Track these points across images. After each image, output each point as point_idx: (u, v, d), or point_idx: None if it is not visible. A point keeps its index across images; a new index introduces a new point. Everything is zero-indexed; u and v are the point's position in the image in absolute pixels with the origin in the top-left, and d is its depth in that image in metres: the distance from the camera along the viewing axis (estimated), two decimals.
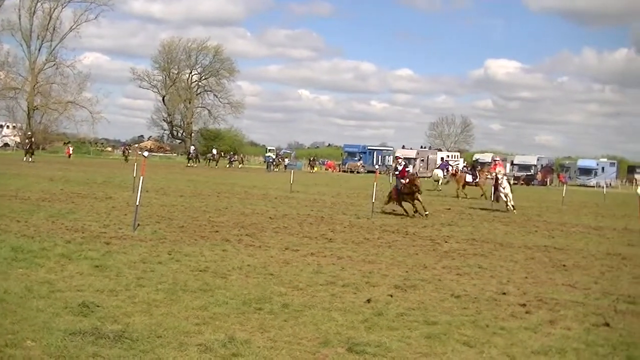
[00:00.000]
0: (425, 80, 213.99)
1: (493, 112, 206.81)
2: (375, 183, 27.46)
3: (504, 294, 12.08)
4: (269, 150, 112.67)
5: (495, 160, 39.71)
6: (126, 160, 78.67)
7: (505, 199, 32.78)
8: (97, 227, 17.37)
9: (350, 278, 12.72)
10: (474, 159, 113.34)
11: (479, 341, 8.87)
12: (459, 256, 16.51)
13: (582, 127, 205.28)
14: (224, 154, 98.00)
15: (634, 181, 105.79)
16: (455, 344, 8.68)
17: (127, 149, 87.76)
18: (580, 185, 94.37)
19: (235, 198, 31.33)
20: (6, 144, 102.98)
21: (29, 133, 76.47)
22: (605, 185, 74.54)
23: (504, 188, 33.09)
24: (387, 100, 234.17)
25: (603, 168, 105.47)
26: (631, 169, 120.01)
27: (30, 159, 62.58)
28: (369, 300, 10.83)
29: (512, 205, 32.61)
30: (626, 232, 25.60)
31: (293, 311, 9.87)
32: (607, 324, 10.18)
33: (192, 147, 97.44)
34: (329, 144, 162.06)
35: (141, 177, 17.94)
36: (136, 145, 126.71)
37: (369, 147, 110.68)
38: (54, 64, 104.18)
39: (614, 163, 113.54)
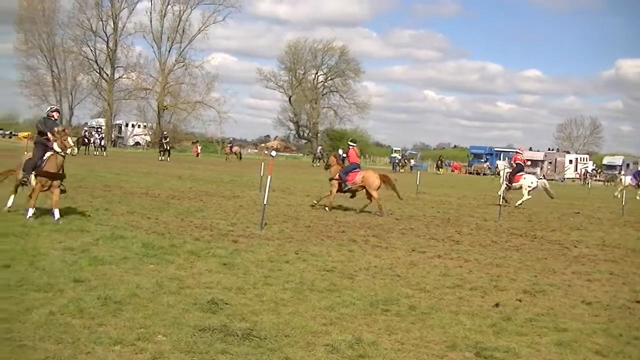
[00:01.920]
0: (553, 81, 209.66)
1: (623, 113, 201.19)
2: (502, 185, 27.06)
3: (638, 302, 11.71)
4: (395, 151, 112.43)
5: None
6: (226, 159, 79.32)
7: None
8: (224, 225, 17.62)
9: (478, 281, 12.56)
10: (603, 162, 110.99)
11: (612, 350, 8.61)
12: (589, 262, 16.10)
13: None
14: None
15: None
16: (587, 353, 8.45)
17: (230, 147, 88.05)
18: None
19: (360, 199, 31.25)
20: (137, 143, 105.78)
21: (165, 133, 78.17)
22: None
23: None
24: (513, 102, 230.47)
25: None
26: None
27: (164, 158, 64.23)
28: (497, 305, 10.66)
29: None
30: None
31: (420, 314, 9.79)
32: None
33: (319, 147, 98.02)
34: (454, 145, 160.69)
35: (268, 177, 18.11)
36: (262, 144, 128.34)
37: (495, 149, 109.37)
38: (183, 65, 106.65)
39: None
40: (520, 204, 31.86)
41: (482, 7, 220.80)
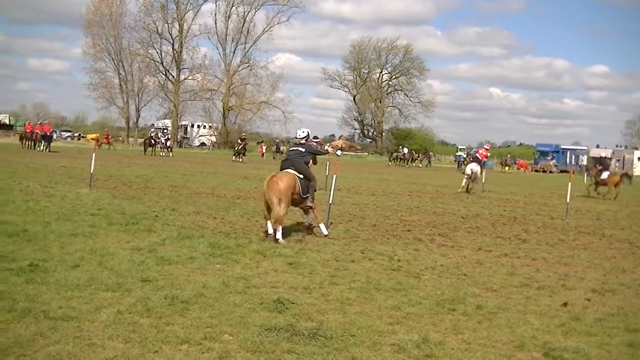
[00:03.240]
0: (621, 77, 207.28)
1: None
2: (569, 183, 26.71)
3: None
4: (460, 149, 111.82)
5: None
6: (273, 158, 79.26)
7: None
8: (290, 225, 17.64)
9: (545, 280, 12.40)
10: None
11: None
12: None
13: None
14: (416, 153, 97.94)
15: None
16: None
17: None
18: None
19: (427, 197, 31.22)
20: (203, 144, 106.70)
21: (243, 135, 78.24)
22: None
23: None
24: (580, 98, 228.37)
25: None
26: None
27: (239, 160, 64.48)
28: (565, 304, 10.51)
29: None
30: None
31: (487, 313, 9.70)
32: None
33: (405, 149, 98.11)
34: (520, 143, 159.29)
35: (334, 176, 18.11)
36: (327, 144, 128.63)
37: (562, 147, 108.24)
38: (248, 66, 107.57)
39: None
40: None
41: (547, 2, 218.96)
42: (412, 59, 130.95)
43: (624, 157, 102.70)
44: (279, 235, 14.69)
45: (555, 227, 21.68)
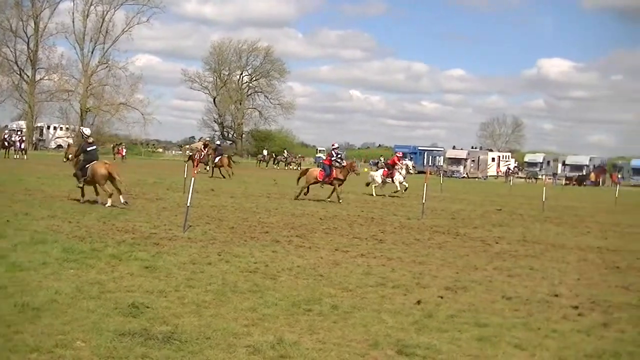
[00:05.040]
0: (477, 80, 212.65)
1: (545, 111, 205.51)
2: (425, 184, 27.28)
3: (556, 296, 11.93)
4: (320, 151, 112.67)
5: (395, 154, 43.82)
6: (114, 158, 78.44)
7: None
8: (147, 228, 17.46)
9: (400, 279, 12.64)
10: (525, 159, 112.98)
11: (531, 344, 8.75)
12: (510, 257, 16.35)
13: (635, 126, 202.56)
14: (276, 155, 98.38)
15: None
16: (506, 347, 8.58)
17: (117, 147, 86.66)
18: (634, 186, 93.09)
19: (286, 199, 31.32)
20: (59, 146, 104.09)
21: (207, 139, 75.04)
22: None
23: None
24: (438, 101, 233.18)
25: None
26: None
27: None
28: (419, 302, 10.75)
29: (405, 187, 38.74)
30: None
31: (342, 313, 9.82)
32: None
33: (265, 151, 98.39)
34: (380, 145, 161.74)
35: (192, 179, 18.00)
36: (187, 146, 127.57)
37: (419, 148, 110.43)
38: (107, 66, 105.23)
39: None
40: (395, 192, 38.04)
41: (408, 7, 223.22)
42: (273, 61, 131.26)
43: (478, 157, 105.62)
44: None
45: (411, 227, 22.11)
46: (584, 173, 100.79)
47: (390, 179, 39.08)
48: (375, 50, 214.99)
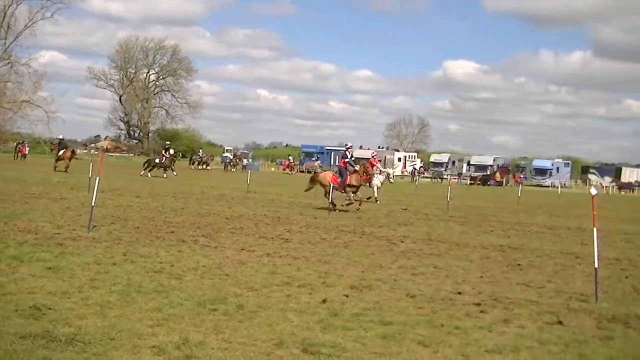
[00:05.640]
0: (384, 81, 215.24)
1: (451, 112, 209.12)
2: (331, 184, 27.46)
3: (459, 293, 12.13)
4: (227, 150, 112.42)
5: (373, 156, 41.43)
6: (15, 158, 77.06)
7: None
8: (50, 228, 17.16)
9: (306, 278, 12.69)
10: (430, 159, 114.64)
11: (434, 341, 8.88)
12: (415, 256, 16.56)
13: (538, 128, 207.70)
14: (182, 154, 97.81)
15: (587, 181, 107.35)
16: (410, 344, 8.68)
17: (19, 146, 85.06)
18: (535, 185, 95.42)
19: (192, 199, 31.15)
20: None
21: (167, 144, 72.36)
22: (559, 185, 75.60)
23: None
24: (346, 101, 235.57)
25: (558, 168, 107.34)
26: (585, 169, 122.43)
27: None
28: (324, 301, 10.81)
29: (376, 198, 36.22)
30: (580, 231, 26.02)
31: (248, 312, 9.81)
32: (560, 322, 10.29)
33: (201, 151, 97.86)
34: (287, 144, 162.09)
35: (97, 178, 17.78)
36: (92, 145, 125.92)
37: (326, 148, 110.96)
38: (9, 62, 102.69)
39: (569, 163, 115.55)
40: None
41: (317, 8, 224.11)
42: (180, 59, 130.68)
43: (385, 157, 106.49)
44: None
45: (317, 226, 22.20)
46: (488, 173, 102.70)
47: (368, 184, 36.02)
48: (284, 50, 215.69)
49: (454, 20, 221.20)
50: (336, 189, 28.80)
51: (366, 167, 31.64)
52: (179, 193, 34.25)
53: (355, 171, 29.77)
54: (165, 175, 51.67)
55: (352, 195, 29.26)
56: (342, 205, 29.37)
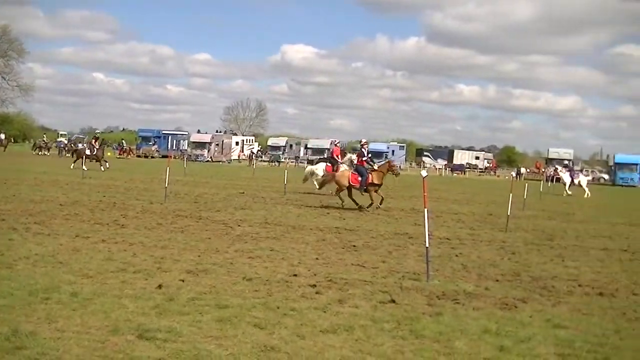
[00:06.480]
0: (223, 65, 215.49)
1: (288, 96, 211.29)
2: (168, 168, 27.27)
3: (295, 275, 12.31)
4: (61, 135, 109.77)
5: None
6: None
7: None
8: None
9: (142, 264, 12.61)
10: (268, 143, 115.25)
11: (270, 322, 8.99)
12: (251, 239, 16.67)
13: (375, 112, 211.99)
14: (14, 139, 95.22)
15: (422, 163, 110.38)
16: (246, 327, 8.76)
17: None
18: None
19: (24, 185, 30.28)
20: None
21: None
22: None
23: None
24: (183, 85, 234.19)
25: (393, 151, 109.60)
26: (419, 152, 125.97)
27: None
28: (160, 286, 10.77)
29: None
30: (413, 212, 26.78)
31: (82, 300, 9.68)
32: (393, 301, 10.61)
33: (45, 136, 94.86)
34: (124, 129, 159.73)
35: None
36: None
37: (163, 132, 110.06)
38: None
39: (404, 146, 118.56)
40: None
41: None
42: (11, 40, 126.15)
43: (222, 141, 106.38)
44: None
45: (154, 211, 22.02)
46: (326, 156, 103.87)
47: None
48: (120, 33, 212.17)
49: (293, 4, 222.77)
50: (357, 189, 27.75)
51: (391, 166, 29.34)
52: (10, 180, 33.13)
53: (374, 170, 28.01)
54: (103, 169, 48.23)
55: (374, 195, 27.53)
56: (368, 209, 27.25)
